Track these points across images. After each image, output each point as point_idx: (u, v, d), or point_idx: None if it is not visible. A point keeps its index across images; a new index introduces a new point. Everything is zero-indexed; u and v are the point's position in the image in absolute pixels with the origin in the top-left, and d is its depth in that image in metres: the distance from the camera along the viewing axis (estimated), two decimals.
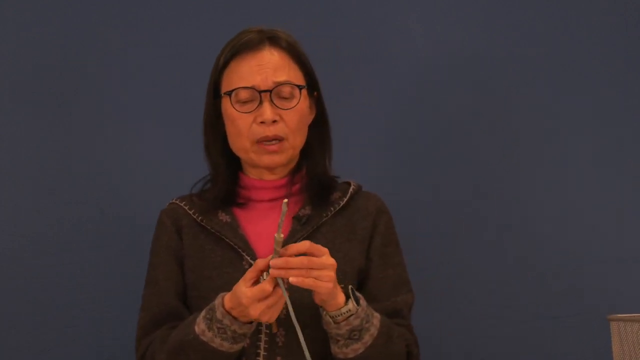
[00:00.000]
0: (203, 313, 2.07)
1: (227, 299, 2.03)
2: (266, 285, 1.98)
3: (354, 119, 2.59)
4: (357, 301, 2.06)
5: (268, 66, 2.17)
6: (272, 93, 2.16)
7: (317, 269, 1.98)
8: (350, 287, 2.06)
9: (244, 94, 2.17)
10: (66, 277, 2.54)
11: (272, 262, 1.98)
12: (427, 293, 2.54)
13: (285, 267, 1.97)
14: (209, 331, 2.04)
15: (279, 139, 2.17)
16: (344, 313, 2.04)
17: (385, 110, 2.64)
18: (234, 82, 2.18)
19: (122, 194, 2.58)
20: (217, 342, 2.04)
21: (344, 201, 2.22)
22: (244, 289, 1.99)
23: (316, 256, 1.99)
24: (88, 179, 2.57)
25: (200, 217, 2.22)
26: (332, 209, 2.21)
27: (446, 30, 2.66)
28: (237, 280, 2.11)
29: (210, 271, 2.17)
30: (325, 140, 2.26)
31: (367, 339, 2.06)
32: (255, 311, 1.99)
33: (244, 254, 2.16)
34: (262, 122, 2.16)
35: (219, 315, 2.03)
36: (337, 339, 2.06)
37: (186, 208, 2.24)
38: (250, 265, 2.12)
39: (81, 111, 2.59)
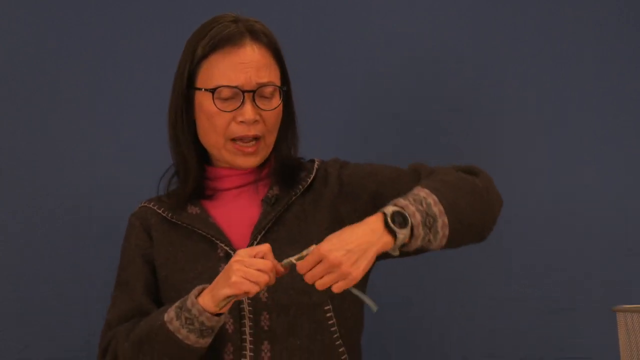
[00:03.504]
0: (177, 303, 2.06)
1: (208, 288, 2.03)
2: (264, 247, 1.98)
3: (323, 111, 2.60)
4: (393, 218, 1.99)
5: (251, 65, 2.14)
6: (255, 93, 2.15)
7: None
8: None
9: (226, 92, 2.15)
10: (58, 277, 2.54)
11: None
12: (429, 287, 2.59)
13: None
14: (176, 320, 2.03)
15: (256, 138, 2.17)
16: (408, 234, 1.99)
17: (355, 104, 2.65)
18: (216, 78, 2.15)
19: (111, 195, 2.56)
20: (183, 334, 2.02)
21: (311, 178, 2.21)
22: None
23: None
24: (78, 180, 2.56)
25: (169, 214, 2.21)
26: (300, 187, 2.20)
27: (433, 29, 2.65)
28: (211, 270, 2.13)
29: (182, 264, 2.17)
30: (292, 133, 2.24)
31: (437, 209, 2.01)
32: (239, 272, 1.95)
33: (217, 242, 2.16)
34: (242, 122, 2.15)
35: (188, 304, 2.02)
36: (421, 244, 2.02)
37: (155, 208, 2.23)
38: (226, 252, 2.14)
39: (71, 110, 2.56)
